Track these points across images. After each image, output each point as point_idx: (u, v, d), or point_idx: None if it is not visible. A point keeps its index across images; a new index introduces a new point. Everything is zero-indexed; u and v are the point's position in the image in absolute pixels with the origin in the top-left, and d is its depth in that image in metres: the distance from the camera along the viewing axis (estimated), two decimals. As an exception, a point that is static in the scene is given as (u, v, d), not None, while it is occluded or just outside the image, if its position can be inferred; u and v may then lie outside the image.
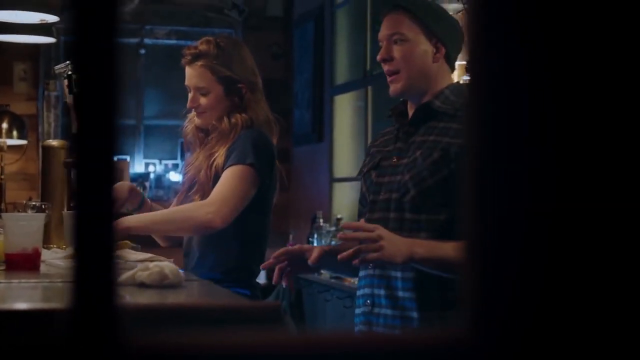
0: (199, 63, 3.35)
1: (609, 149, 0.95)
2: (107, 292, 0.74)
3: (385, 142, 3.00)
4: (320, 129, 6.99)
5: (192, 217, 3.21)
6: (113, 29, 0.76)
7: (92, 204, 0.73)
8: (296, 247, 2.86)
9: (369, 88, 6.50)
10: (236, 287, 3.25)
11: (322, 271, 2.71)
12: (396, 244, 2.63)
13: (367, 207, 2.96)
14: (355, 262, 2.62)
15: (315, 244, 6.10)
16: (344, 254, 2.59)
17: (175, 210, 3.31)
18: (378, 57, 2.90)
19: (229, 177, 3.24)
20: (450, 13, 3.07)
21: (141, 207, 3.48)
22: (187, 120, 3.51)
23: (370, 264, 2.82)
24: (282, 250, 2.83)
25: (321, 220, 6.20)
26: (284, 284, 2.81)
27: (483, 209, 0.92)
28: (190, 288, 2.61)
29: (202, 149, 3.41)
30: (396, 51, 2.83)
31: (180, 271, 2.53)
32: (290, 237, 6.87)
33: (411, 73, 2.82)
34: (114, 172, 0.75)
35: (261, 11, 7.50)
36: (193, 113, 3.45)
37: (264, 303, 3.01)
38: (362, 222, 2.81)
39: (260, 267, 2.80)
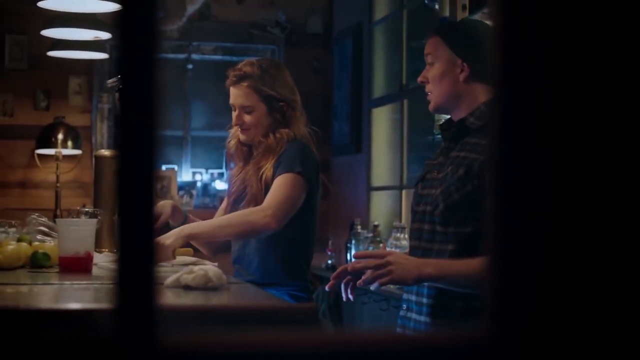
0: (244, 84, 3.42)
1: (621, 149, 0.94)
2: (147, 293, 0.75)
3: (436, 155, 3.05)
4: (358, 140, 6.99)
5: (250, 221, 3.27)
6: (153, 46, 0.77)
7: (134, 211, 0.74)
8: (349, 265, 2.88)
9: (405, 101, 6.50)
10: (294, 290, 3.31)
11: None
12: (405, 267, 2.70)
13: (411, 217, 3.03)
14: (373, 286, 2.73)
15: (353, 250, 6.10)
16: (360, 280, 2.71)
17: (232, 216, 3.36)
18: (418, 79, 3.01)
19: (281, 184, 3.31)
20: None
21: (184, 223, 3.52)
22: (230, 136, 3.57)
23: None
24: (340, 269, 2.85)
25: (359, 227, 6.19)
26: (351, 297, 2.83)
27: (502, 210, 0.92)
28: (233, 290, 2.63)
29: (250, 162, 3.47)
30: (429, 73, 2.94)
31: (223, 275, 2.55)
32: (330, 242, 6.87)
33: (439, 93, 2.92)
34: (155, 179, 0.75)
35: (302, 28, 7.52)
36: (235, 128, 3.52)
37: (302, 305, 3.01)
38: (373, 251, 2.86)
39: (326, 288, 2.83)
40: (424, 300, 2.88)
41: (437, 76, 2.92)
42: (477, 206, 2.79)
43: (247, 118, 3.43)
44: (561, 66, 0.94)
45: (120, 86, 2.67)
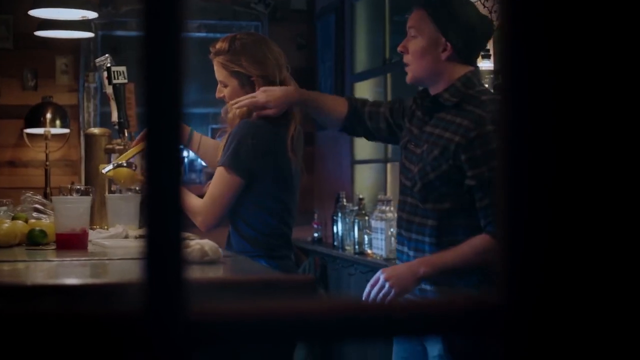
0: (218, 59, 3.46)
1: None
2: (177, 267, 0.76)
3: (411, 118, 3.08)
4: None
5: (191, 219, 3.35)
6: (179, 24, 0.78)
7: (161, 189, 0.76)
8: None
9: (388, 75, 6.51)
10: (254, 257, 3.30)
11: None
12: (401, 276, 2.80)
13: (399, 184, 3.11)
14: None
15: (339, 223, 6.13)
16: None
17: (188, 205, 3.38)
18: (398, 48, 3.02)
19: (215, 179, 3.38)
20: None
21: (189, 140, 3.75)
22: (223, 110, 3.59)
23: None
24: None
25: (344, 200, 6.22)
26: None
27: (511, 183, 0.94)
28: (229, 264, 2.65)
29: None
30: (410, 45, 2.95)
31: (219, 249, 2.57)
32: (315, 216, 6.89)
33: (418, 67, 2.94)
34: (181, 157, 0.77)
35: (286, 4, 7.51)
36: None
37: (300, 276, 3.04)
38: (370, 281, 2.91)
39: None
40: None
41: (418, 51, 2.93)
42: (454, 184, 2.85)
43: (225, 91, 3.46)
44: (567, 62, 0.95)
45: (109, 65, 2.67)
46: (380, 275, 2.83)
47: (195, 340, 0.77)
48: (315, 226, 6.84)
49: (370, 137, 3.38)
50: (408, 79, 3.00)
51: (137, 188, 3.79)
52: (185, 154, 7.69)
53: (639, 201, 0.96)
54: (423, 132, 2.96)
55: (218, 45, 3.45)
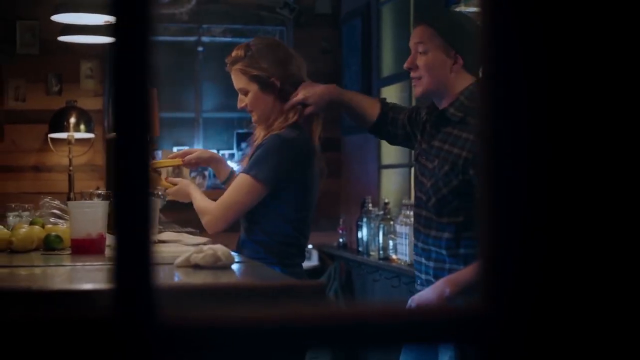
0: (235, 67, 3.49)
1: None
2: (144, 273, 0.76)
3: (422, 130, 3.16)
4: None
5: (200, 218, 3.45)
6: (148, 28, 0.78)
7: (129, 189, 0.76)
8: None
9: (413, 80, 6.49)
10: (267, 264, 3.32)
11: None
12: (428, 299, 2.88)
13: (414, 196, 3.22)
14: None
15: (364, 228, 6.12)
16: None
17: (198, 204, 3.48)
18: (405, 65, 3.10)
19: (233, 185, 3.43)
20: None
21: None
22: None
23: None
24: None
25: (370, 205, 6.21)
26: None
27: (495, 188, 0.93)
28: (241, 269, 2.65)
29: None
30: (419, 60, 3.02)
31: (232, 253, 2.57)
32: (341, 221, 6.88)
33: (430, 80, 3.01)
34: (150, 158, 0.77)
35: (311, 9, 7.51)
36: None
37: (309, 282, 3.03)
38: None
39: None
40: (432, 279, 3.02)
41: (429, 65, 3.00)
42: (467, 197, 2.93)
43: (246, 99, 3.48)
44: (556, 57, 0.94)
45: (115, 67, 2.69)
46: (412, 305, 2.91)
47: (165, 346, 0.76)
48: (340, 231, 6.83)
49: (390, 141, 3.46)
50: (418, 93, 3.07)
51: (159, 193, 3.80)
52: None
53: (634, 206, 0.95)
54: (432, 146, 3.04)
55: (234, 54, 3.49)
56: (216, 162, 3.79)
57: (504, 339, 0.93)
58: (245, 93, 3.47)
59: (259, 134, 3.55)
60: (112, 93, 0.79)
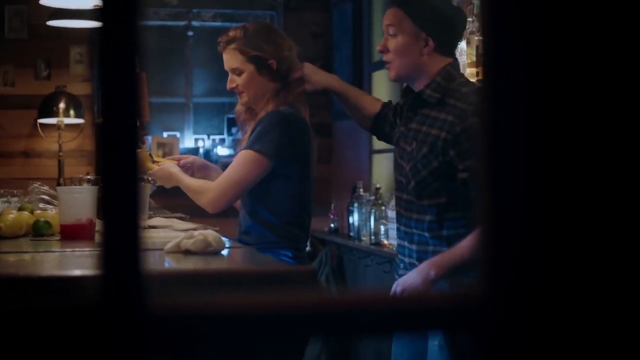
0: (231, 47, 3.48)
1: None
2: (132, 258, 0.75)
3: (399, 114, 3.20)
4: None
5: (197, 198, 3.42)
6: (135, 14, 0.76)
7: (116, 175, 0.74)
8: None
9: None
10: (278, 249, 3.32)
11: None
12: (414, 284, 2.87)
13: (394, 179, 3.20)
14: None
15: (355, 213, 6.11)
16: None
17: (195, 184, 3.46)
18: (377, 48, 3.12)
19: (236, 162, 3.40)
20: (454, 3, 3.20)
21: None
22: (238, 104, 3.60)
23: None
24: None
25: (361, 190, 6.20)
26: None
27: (494, 177, 0.92)
28: (232, 254, 2.64)
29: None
30: (390, 43, 3.03)
31: (223, 239, 2.56)
32: (332, 206, 6.87)
33: (401, 63, 3.01)
34: (137, 143, 0.75)
35: (301, -7, 7.49)
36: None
37: (300, 267, 3.03)
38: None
39: None
40: (416, 262, 3.02)
41: (400, 48, 3.00)
42: (447, 178, 2.93)
43: (238, 80, 3.47)
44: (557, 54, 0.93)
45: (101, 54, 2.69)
46: (397, 289, 2.94)
47: (155, 334, 0.75)
48: (331, 217, 6.82)
49: (388, 140, 3.44)
50: (391, 76, 3.08)
51: (150, 178, 3.79)
52: (201, 144, 7.70)
53: (632, 197, 0.94)
54: (409, 129, 3.04)
55: (231, 33, 3.49)
56: (209, 170, 3.76)
57: (502, 326, 0.92)
58: (240, 73, 3.46)
59: (247, 117, 3.54)
60: (99, 77, 0.77)
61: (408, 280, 2.92)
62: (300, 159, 3.40)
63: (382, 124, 3.36)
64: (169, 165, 3.55)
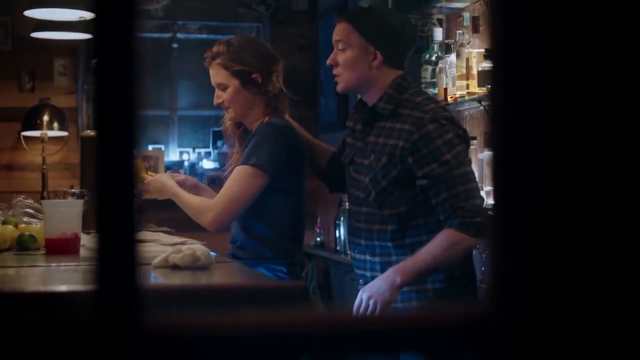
0: (215, 62, 3.45)
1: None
2: (129, 273, 0.72)
3: (351, 132, 3.23)
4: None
5: (197, 217, 3.35)
6: (132, 22, 0.74)
7: (114, 187, 0.71)
8: None
9: (392, 77, 6.46)
10: (273, 264, 3.29)
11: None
12: (381, 291, 2.91)
13: (348, 196, 3.28)
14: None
15: (342, 226, 6.09)
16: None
17: (194, 202, 3.39)
18: (327, 62, 3.16)
19: (233, 178, 3.34)
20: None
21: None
22: (224, 119, 3.56)
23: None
24: None
25: (347, 204, 6.17)
26: None
27: (504, 195, 0.90)
28: (222, 269, 2.61)
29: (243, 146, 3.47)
30: (339, 57, 3.09)
31: (212, 254, 2.53)
32: (318, 220, 6.85)
33: (349, 77, 3.07)
34: (134, 155, 0.72)
35: (287, 5, 7.47)
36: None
37: (291, 283, 3.01)
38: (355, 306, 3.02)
39: None
40: (379, 274, 3.03)
41: (349, 62, 3.06)
42: (407, 187, 2.98)
43: (224, 96, 3.43)
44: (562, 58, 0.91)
45: (97, 65, 2.65)
46: (363, 296, 2.95)
47: (151, 352, 0.72)
48: (317, 230, 6.80)
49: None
50: (339, 88, 3.14)
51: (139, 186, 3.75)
52: (186, 157, 7.67)
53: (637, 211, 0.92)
54: (367, 143, 3.08)
55: (215, 49, 3.46)
56: (199, 190, 3.68)
57: (506, 345, 0.90)
58: (224, 88, 3.42)
59: (234, 131, 3.52)
60: (95, 91, 0.75)
61: (374, 287, 2.94)
62: (295, 170, 3.38)
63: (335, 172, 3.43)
64: (165, 177, 3.50)
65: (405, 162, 2.96)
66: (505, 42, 0.93)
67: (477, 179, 3.02)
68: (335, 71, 3.11)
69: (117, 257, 0.70)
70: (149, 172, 3.56)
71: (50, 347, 0.73)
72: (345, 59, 3.06)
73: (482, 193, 4.06)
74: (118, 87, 0.74)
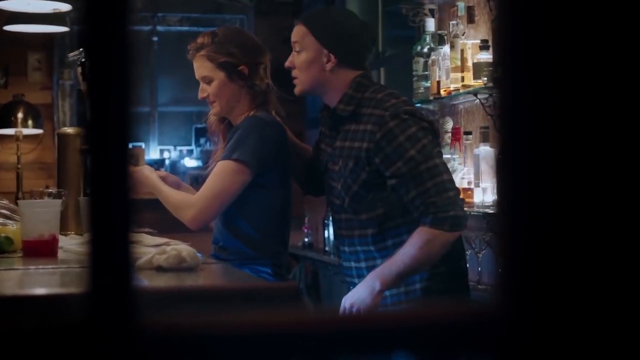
0: (200, 54, 3.42)
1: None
2: (124, 275, 0.70)
3: (324, 139, 3.29)
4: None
5: (177, 213, 3.33)
6: (125, 16, 0.72)
7: (108, 189, 0.70)
8: None
9: (382, 70, 6.45)
10: (257, 265, 3.26)
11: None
12: (362, 298, 2.98)
13: (328, 204, 3.35)
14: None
15: (330, 227, 6.09)
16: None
17: (176, 198, 3.35)
18: (285, 64, 3.23)
19: (215, 173, 3.31)
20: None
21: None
22: (209, 114, 3.53)
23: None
24: None
25: (332, 209, 6.17)
26: None
27: (511, 193, 0.89)
28: (208, 271, 2.59)
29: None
30: (295, 59, 3.18)
31: (198, 254, 2.51)
32: (306, 220, 6.84)
33: (305, 79, 3.17)
34: (129, 155, 0.71)
35: (272, -4, 7.47)
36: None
37: (281, 284, 3.00)
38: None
39: None
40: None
41: (303, 64, 3.15)
42: (379, 188, 3.04)
43: (209, 89, 3.40)
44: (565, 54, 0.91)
45: (84, 60, 2.62)
46: (345, 304, 3.02)
47: (143, 354, 0.71)
48: (305, 231, 6.80)
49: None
50: (296, 90, 3.22)
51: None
52: (167, 155, 7.65)
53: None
54: (335, 148, 3.14)
55: (200, 40, 3.43)
56: (181, 189, 3.65)
57: (509, 345, 0.90)
58: (209, 81, 3.40)
59: (219, 127, 3.49)
60: (88, 88, 0.73)
61: (355, 295, 3.00)
62: (281, 167, 3.34)
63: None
64: (147, 169, 3.46)
65: (372, 164, 3.01)
66: (510, 42, 0.93)
67: (449, 170, 3.04)
68: (293, 73, 3.19)
69: (111, 258, 0.69)
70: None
71: (41, 350, 0.71)
72: (301, 61, 3.15)
73: (481, 188, 4.06)
74: (112, 84, 0.72)
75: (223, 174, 3.27)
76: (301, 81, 3.17)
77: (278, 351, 0.84)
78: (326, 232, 6.18)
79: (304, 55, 3.14)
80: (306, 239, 6.77)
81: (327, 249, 6.19)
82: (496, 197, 0.94)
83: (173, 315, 0.78)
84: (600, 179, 0.91)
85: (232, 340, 0.78)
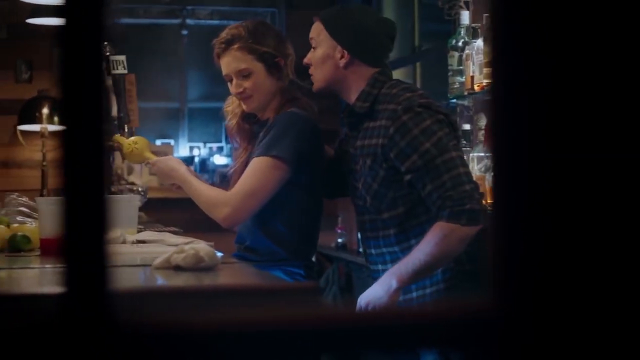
0: (235, 47, 3.37)
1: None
2: (97, 275, 0.72)
3: (347, 140, 3.34)
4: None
5: (210, 210, 3.31)
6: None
7: (82, 188, 0.72)
8: None
9: (418, 64, 6.45)
10: (289, 266, 3.26)
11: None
12: (378, 296, 3.00)
13: (353, 206, 3.36)
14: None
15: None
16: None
17: (208, 194, 3.33)
18: (304, 60, 3.30)
19: (252, 170, 3.27)
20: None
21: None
22: (228, 117, 3.50)
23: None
24: None
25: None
26: None
27: (506, 172, 0.91)
28: (227, 270, 2.61)
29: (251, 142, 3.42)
30: (312, 56, 3.26)
31: (218, 253, 2.53)
32: (339, 220, 6.85)
33: (320, 76, 3.24)
34: (103, 152, 0.73)
35: (305, -12, 7.47)
36: (234, 106, 3.46)
37: (302, 283, 3.01)
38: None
39: None
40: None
41: (318, 61, 3.22)
42: (398, 186, 3.07)
43: (246, 83, 3.36)
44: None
45: (108, 54, 2.66)
46: (361, 303, 3.04)
47: (117, 353, 0.73)
48: (339, 231, 6.79)
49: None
50: (314, 87, 3.30)
51: (140, 189, 3.77)
52: (196, 152, 7.68)
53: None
54: (356, 148, 3.19)
55: (231, 33, 3.40)
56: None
57: (511, 342, 0.91)
58: (248, 74, 3.36)
59: (238, 130, 3.47)
60: (60, 79, 0.76)
61: (371, 294, 3.03)
62: (315, 166, 3.33)
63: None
64: (174, 161, 3.45)
65: (388, 160, 3.05)
66: (506, 47, 0.94)
67: (466, 163, 3.05)
68: (310, 70, 3.27)
69: (84, 258, 0.71)
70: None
71: (19, 348, 0.74)
72: (316, 57, 3.22)
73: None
74: (85, 79, 0.75)
75: (260, 170, 3.24)
76: (317, 78, 3.24)
77: (287, 348, 0.86)
78: (360, 233, 6.18)
79: (319, 52, 3.22)
80: (340, 240, 6.77)
81: (360, 250, 6.19)
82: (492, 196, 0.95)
83: (186, 314, 0.80)
84: (600, 179, 0.92)
85: (206, 338, 0.80)
